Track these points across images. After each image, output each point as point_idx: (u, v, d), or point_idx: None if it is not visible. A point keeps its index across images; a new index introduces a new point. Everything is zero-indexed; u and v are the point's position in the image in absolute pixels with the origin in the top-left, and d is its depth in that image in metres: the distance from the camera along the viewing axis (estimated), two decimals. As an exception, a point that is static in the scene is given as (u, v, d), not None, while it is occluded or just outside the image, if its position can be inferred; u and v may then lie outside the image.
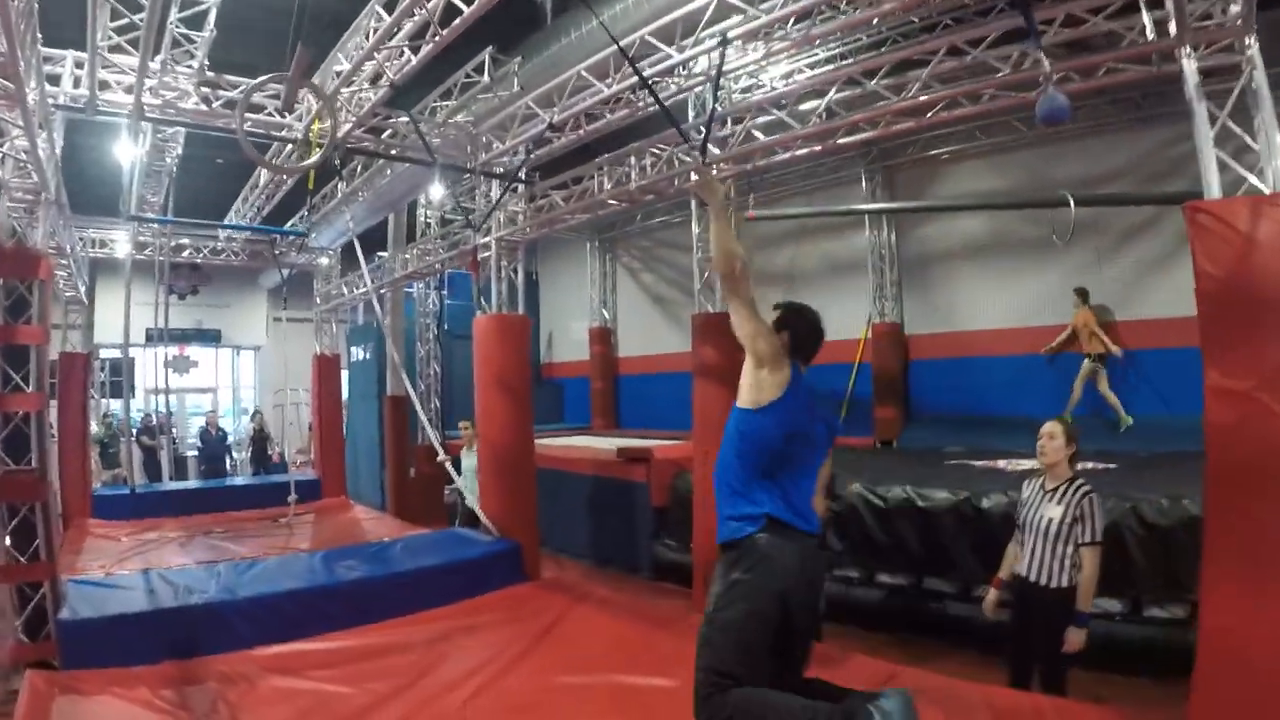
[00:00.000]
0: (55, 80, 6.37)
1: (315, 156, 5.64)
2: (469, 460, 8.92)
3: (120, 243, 11.94)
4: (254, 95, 6.49)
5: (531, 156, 7.01)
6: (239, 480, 14.52)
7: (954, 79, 5.90)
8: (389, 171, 9.82)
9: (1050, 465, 4.33)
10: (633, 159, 6.95)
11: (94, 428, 12.95)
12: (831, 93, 6.12)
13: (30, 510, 5.49)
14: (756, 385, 3.11)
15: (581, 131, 6.73)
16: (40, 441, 5.62)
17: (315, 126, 6.27)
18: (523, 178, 7.91)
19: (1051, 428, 4.35)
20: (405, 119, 7.38)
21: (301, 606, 5.88)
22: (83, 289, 11.44)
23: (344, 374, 15.46)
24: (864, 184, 11.74)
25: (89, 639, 5.18)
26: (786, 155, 6.44)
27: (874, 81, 6.07)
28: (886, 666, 4.92)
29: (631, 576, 8.99)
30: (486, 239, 8.40)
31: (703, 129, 6.14)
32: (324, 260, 13.97)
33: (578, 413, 16.60)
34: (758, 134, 6.39)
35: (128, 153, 8.20)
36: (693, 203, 8.09)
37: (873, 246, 11.73)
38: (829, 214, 11.26)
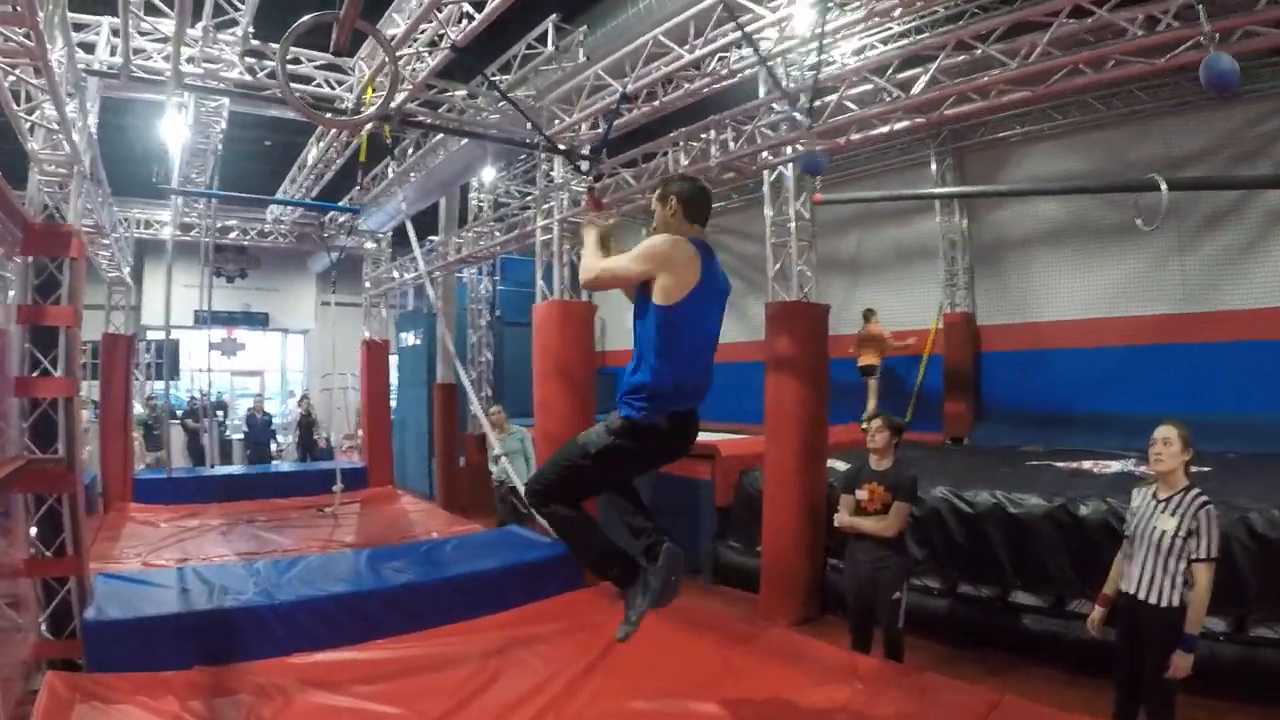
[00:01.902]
0: (90, 48, 6.04)
1: (372, 108, 5.12)
2: (500, 445, 8.69)
3: (167, 224, 11.62)
4: (306, 64, 6.08)
5: (610, 128, 6.44)
6: (284, 466, 14.23)
7: (1077, 44, 5.22)
8: (440, 152, 9.38)
9: (1164, 473, 3.79)
10: (711, 132, 6.35)
11: (138, 410, 12.75)
12: (941, 58, 5.45)
13: (58, 501, 5.17)
14: (664, 291, 3.28)
15: (658, 102, 6.14)
16: (69, 429, 5.25)
17: (369, 94, 5.80)
18: (589, 154, 7.36)
19: (1166, 432, 3.78)
20: (463, 91, 6.84)
21: (345, 611, 5.45)
22: (126, 270, 11.16)
23: (393, 360, 15.16)
24: (933, 167, 11.11)
25: (115, 640, 4.85)
26: (884, 129, 5.76)
27: (986, 46, 5.40)
28: (988, 695, 4.37)
29: (692, 579, 8.40)
30: (548, 220, 7.86)
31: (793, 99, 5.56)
32: (372, 244, 13.58)
33: (633, 404, 15.94)
34: (851, 105, 5.74)
35: (173, 128, 7.89)
36: (765, 186, 7.49)
37: (943, 232, 11.15)
38: (900, 198, 10.66)
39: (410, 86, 6.06)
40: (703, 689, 4.62)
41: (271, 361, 20.26)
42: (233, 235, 13.01)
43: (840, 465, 6.92)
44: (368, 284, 13.81)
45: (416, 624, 5.54)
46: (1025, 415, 10.24)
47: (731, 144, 6.19)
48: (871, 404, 10.30)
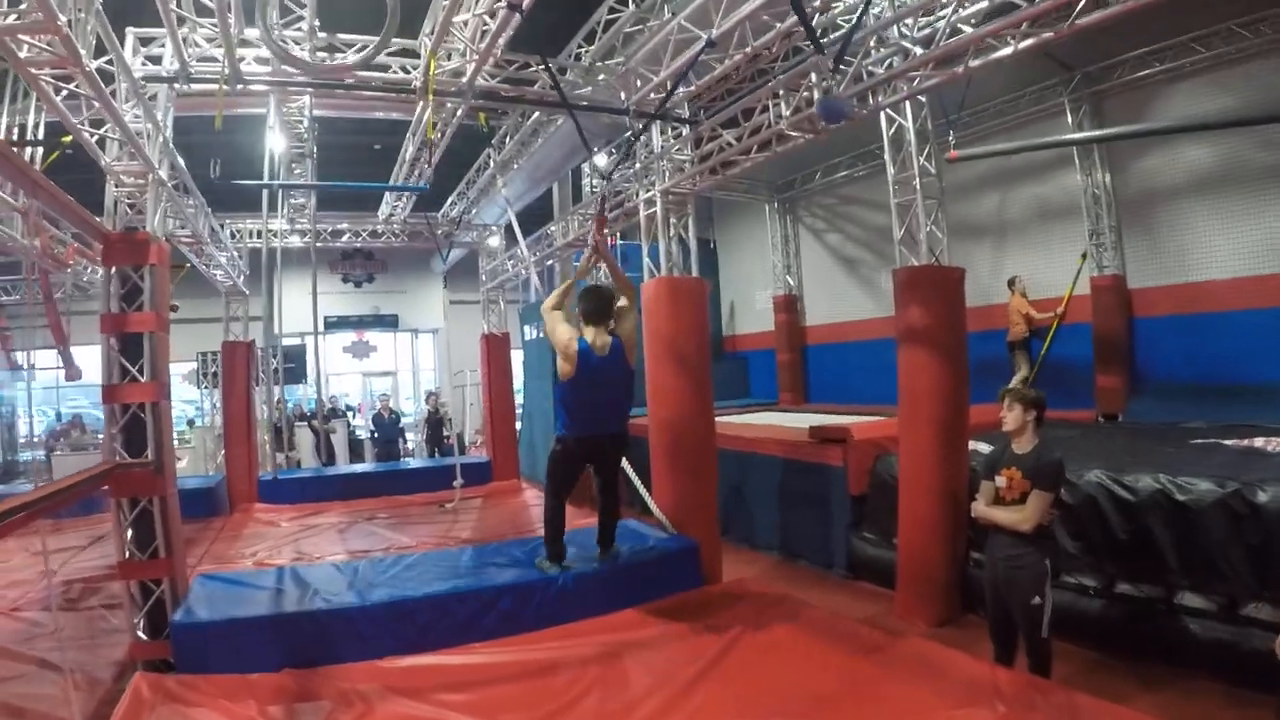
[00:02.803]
0: (157, 60, 6.01)
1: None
2: None
3: (286, 233, 11.81)
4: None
5: (691, 86, 5.89)
6: (409, 463, 14.31)
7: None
8: (539, 138, 9.03)
9: None
10: (813, 76, 5.67)
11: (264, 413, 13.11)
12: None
13: (150, 505, 5.17)
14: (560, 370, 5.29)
15: (748, 48, 5.50)
16: (158, 434, 5.25)
17: (433, 69, 5.48)
18: (686, 116, 6.80)
19: None
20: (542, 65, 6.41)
21: (438, 613, 5.15)
22: (241, 279, 11.37)
23: (519, 354, 15.08)
24: (1069, 116, 10.12)
25: (204, 642, 4.82)
26: (1008, 51, 4.88)
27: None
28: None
29: (824, 573, 7.84)
30: (650, 193, 7.34)
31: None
32: (493, 240, 13.43)
33: (763, 387, 15.59)
34: (965, 27, 4.93)
35: (275, 140, 8.01)
36: (885, 153, 6.77)
37: (1085, 187, 10.13)
38: (1038, 147, 9.60)
39: (477, 56, 5.66)
40: (822, 708, 4.05)
41: (403, 362, 20.65)
42: (345, 238, 13.08)
43: (984, 448, 6.18)
44: (484, 277, 13.69)
45: (515, 627, 5.20)
46: (1186, 387, 9.28)
47: (836, 89, 5.46)
48: (1015, 380, 9.52)
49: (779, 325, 15.09)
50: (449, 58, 6.21)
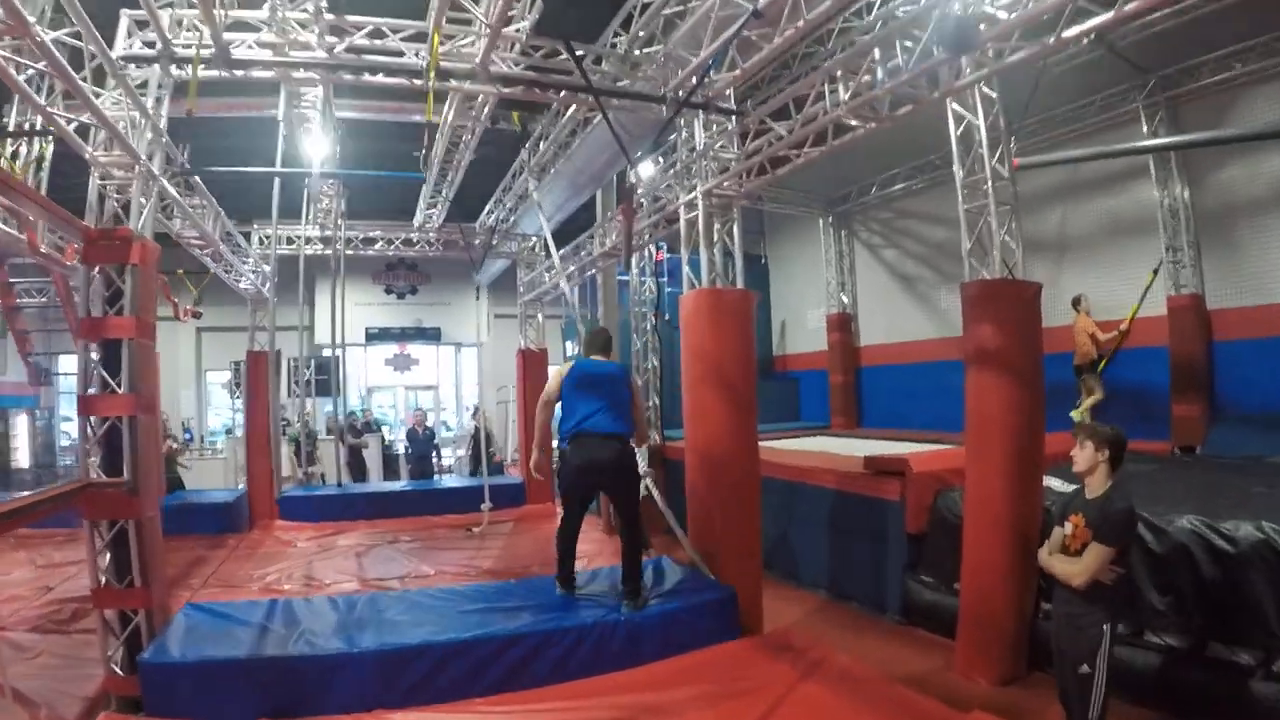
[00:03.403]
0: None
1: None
2: None
3: (314, 240, 11.45)
4: (391, 36, 5.33)
5: (736, 70, 5.25)
6: (440, 482, 13.75)
7: None
8: (575, 140, 8.49)
9: None
10: (876, 51, 5.00)
11: (294, 426, 12.78)
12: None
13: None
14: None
15: (801, 21, 4.84)
16: (135, 451, 4.72)
17: (434, 51, 4.97)
18: (730, 106, 6.15)
19: None
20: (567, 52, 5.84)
21: (438, 663, 4.54)
22: (266, 287, 11.02)
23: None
24: (1143, 123, 9.24)
25: (172, 683, 4.33)
26: (1107, 17, 4.13)
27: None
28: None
29: (876, 617, 7.11)
30: (692, 195, 6.70)
31: None
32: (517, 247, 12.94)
33: (815, 410, 14.83)
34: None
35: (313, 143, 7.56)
36: (953, 152, 6.08)
37: (1161, 200, 9.25)
38: (1107, 155, 8.87)
39: (489, 32, 5.11)
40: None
41: (446, 375, 20.28)
42: (377, 245, 12.68)
43: (1059, 485, 5.41)
44: (521, 288, 13.20)
45: (524, 681, 4.59)
46: (1272, 417, 8.37)
47: (905, 65, 4.77)
48: (1082, 407, 8.76)
49: (832, 345, 14.35)
50: (474, 44, 5.69)
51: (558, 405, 5.45)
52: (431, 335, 19.30)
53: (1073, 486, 4.89)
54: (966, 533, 5.74)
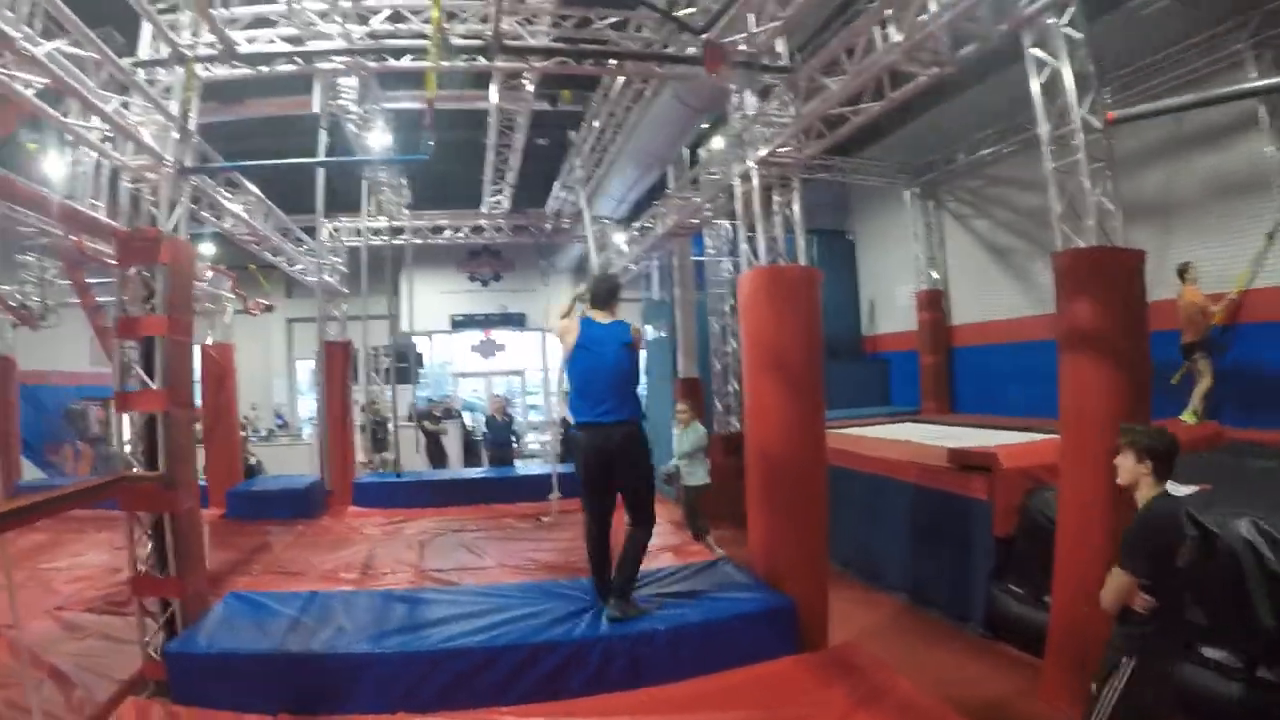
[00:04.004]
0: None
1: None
2: (682, 443, 8.98)
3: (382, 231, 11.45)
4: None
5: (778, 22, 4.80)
6: (515, 470, 13.56)
7: None
8: (630, 114, 8.16)
9: None
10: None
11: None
12: None
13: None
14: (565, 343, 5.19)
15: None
16: (171, 445, 4.76)
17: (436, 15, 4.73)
18: (781, 64, 5.68)
19: None
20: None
21: (466, 668, 4.36)
22: (335, 279, 11.06)
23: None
24: (1252, 67, 7.97)
25: (196, 673, 4.41)
26: None
27: None
28: None
29: (958, 628, 6.61)
30: (746, 166, 6.25)
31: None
32: (618, 235, 12.63)
33: (906, 393, 14.12)
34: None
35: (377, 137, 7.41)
36: (1037, 97, 5.40)
37: (1276, 153, 8.04)
38: (1210, 102, 7.57)
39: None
40: None
41: (533, 360, 20.31)
42: (445, 234, 12.63)
43: (1178, 489, 4.87)
44: (594, 271, 12.96)
45: (556, 691, 4.34)
46: None
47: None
48: (1195, 393, 7.90)
49: (922, 324, 13.55)
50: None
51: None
52: (516, 321, 19.41)
53: (1189, 489, 4.34)
54: (1060, 539, 5.13)
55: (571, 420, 5.24)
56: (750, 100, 6.13)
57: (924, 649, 5.94)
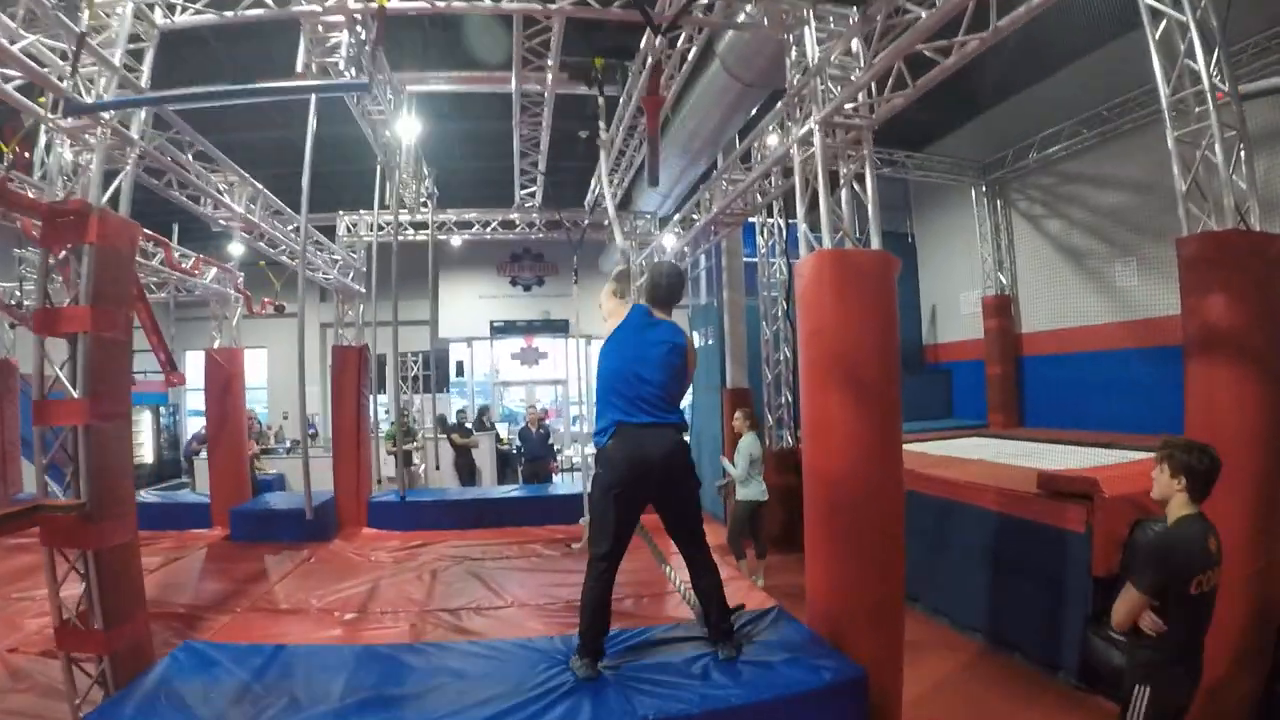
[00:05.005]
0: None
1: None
2: (740, 452, 8.21)
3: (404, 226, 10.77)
4: None
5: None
6: (548, 489, 12.64)
7: None
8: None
9: None
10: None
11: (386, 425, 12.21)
12: None
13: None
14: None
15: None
16: (90, 467, 3.86)
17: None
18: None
19: None
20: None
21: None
22: (350, 277, 10.58)
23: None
24: None
25: None
26: None
27: None
28: None
29: (1047, 677, 5.68)
30: (806, 127, 5.24)
31: None
32: (668, 240, 11.79)
33: (970, 406, 13.12)
34: None
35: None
36: (1153, 55, 4.53)
37: None
38: None
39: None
40: None
41: (577, 369, 19.67)
42: (473, 230, 11.93)
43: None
44: (637, 270, 12.13)
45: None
46: None
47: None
48: None
49: (989, 332, 12.52)
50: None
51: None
52: (559, 327, 18.70)
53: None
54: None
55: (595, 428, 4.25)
56: (812, 46, 5.13)
57: (1008, 704, 5.17)
